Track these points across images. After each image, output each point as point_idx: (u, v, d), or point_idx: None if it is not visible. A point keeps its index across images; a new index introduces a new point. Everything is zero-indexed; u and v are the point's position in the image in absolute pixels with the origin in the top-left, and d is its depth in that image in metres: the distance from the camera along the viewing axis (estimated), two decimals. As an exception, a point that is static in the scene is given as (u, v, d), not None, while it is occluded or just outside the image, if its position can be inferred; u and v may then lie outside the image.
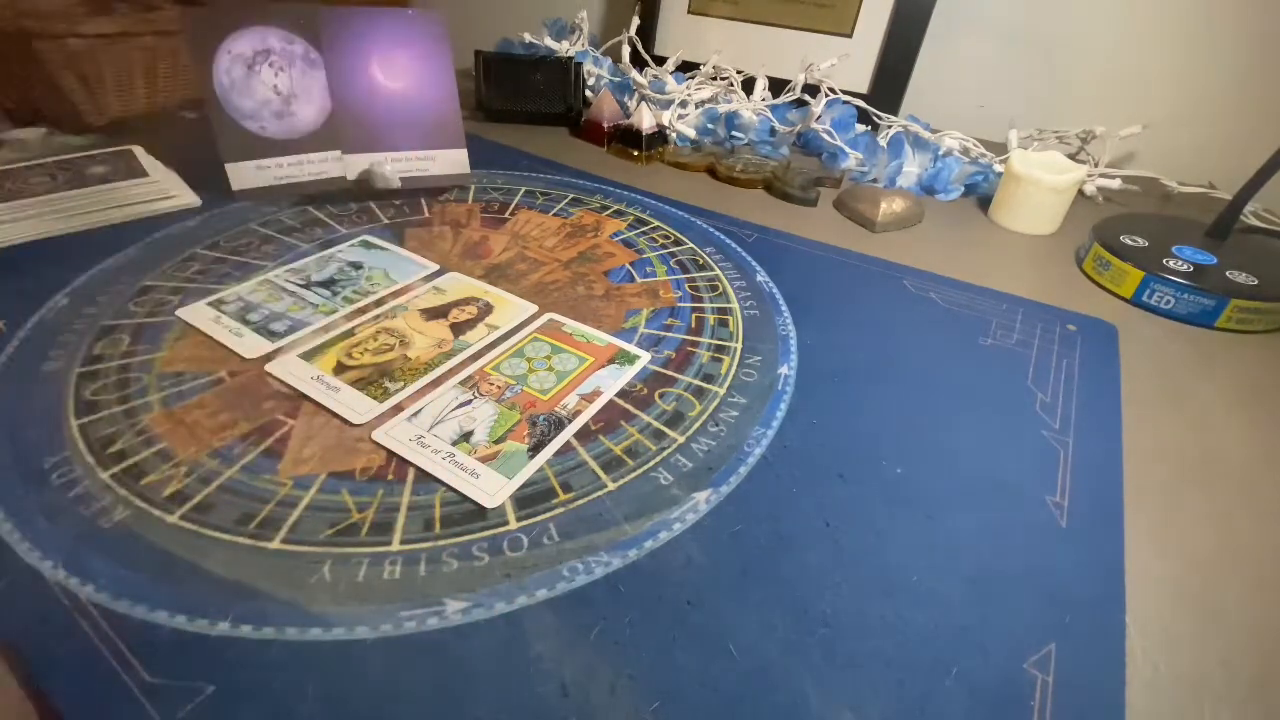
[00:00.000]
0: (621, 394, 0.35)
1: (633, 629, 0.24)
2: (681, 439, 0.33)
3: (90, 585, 0.24)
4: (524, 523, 0.28)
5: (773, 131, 0.71)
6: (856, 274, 0.49)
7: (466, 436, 0.31)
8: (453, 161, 0.57)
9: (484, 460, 0.30)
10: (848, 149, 0.66)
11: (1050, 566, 0.28)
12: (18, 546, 0.25)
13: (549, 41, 0.83)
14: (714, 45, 0.80)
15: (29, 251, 0.44)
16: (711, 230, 0.54)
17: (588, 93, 0.76)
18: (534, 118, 0.75)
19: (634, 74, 0.75)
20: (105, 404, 0.32)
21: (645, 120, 0.66)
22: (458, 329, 0.39)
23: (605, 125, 0.70)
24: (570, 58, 0.74)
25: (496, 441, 0.31)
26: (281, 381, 0.34)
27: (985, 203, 0.63)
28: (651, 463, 0.31)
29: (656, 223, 0.54)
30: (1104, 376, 0.40)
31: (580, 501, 0.29)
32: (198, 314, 0.39)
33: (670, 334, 0.41)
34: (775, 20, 0.78)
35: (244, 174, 0.51)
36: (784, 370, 0.38)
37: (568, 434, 0.32)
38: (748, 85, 0.75)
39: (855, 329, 0.42)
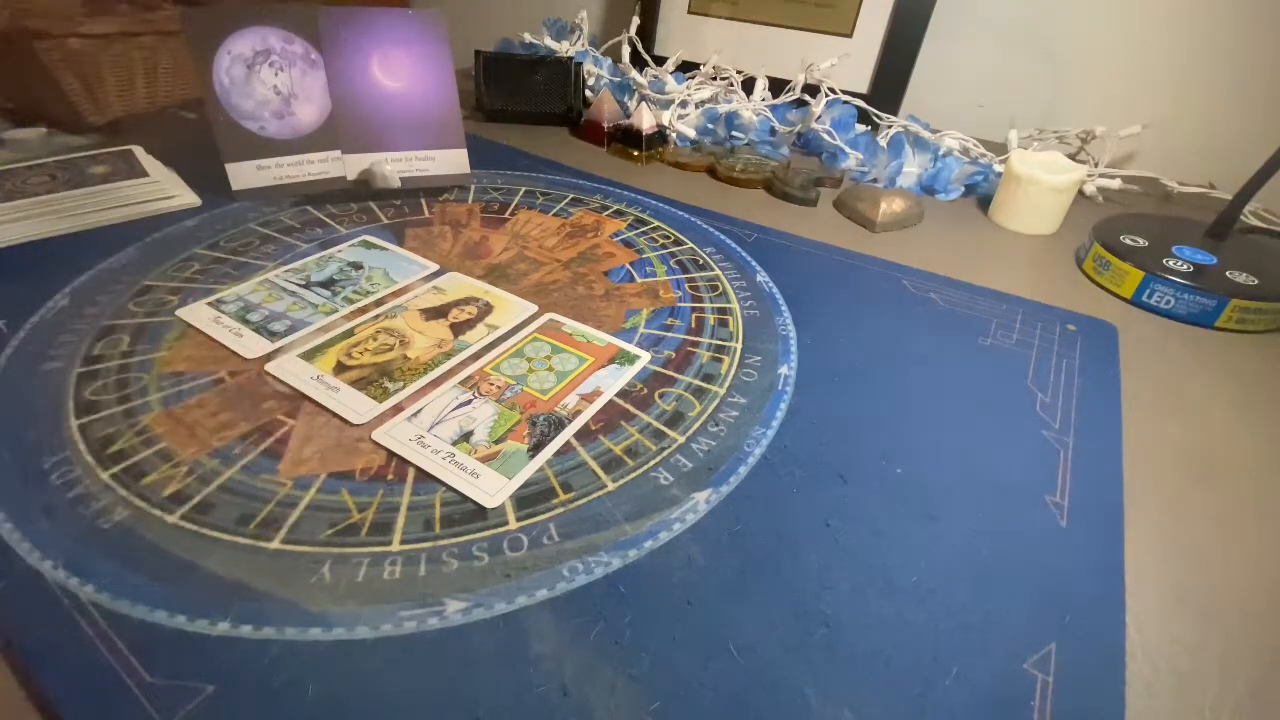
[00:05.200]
0: (621, 394, 0.35)
1: (633, 629, 0.24)
2: (681, 439, 0.33)
3: (90, 585, 0.24)
4: (524, 523, 0.28)
5: (773, 131, 0.71)
6: (856, 274, 0.49)
7: (466, 436, 0.31)
8: (453, 161, 0.57)
9: (484, 460, 0.30)
10: (848, 149, 0.66)
11: (1050, 566, 0.28)
12: (18, 546, 0.25)
13: (549, 41, 0.83)
14: (714, 45, 0.81)
15: (29, 251, 0.44)
16: (711, 230, 0.54)
17: (588, 93, 0.76)
18: (534, 118, 0.75)
19: (634, 74, 0.75)
20: (105, 404, 0.32)
21: (645, 120, 0.66)
22: (458, 329, 0.39)
23: (605, 125, 0.70)
24: (570, 58, 0.74)
25: (496, 441, 0.31)
26: (281, 381, 0.34)
27: (985, 203, 0.63)
28: (651, 463, 0.31)
29: (656, 223, 0.54)
30: (1104, 377, 0.40)
31: (580, 501, 0.29)
32: (198, 314, 0.39)
33: (670, 334, 0.41)
34: (775, 20, 0.78)
35: (244, 174, 0.51)
36: (784, 370, 0.38)
37: (568, 434, 0.32)
38: (748, 85, 0.75)
39: (855, 329, 0.42)
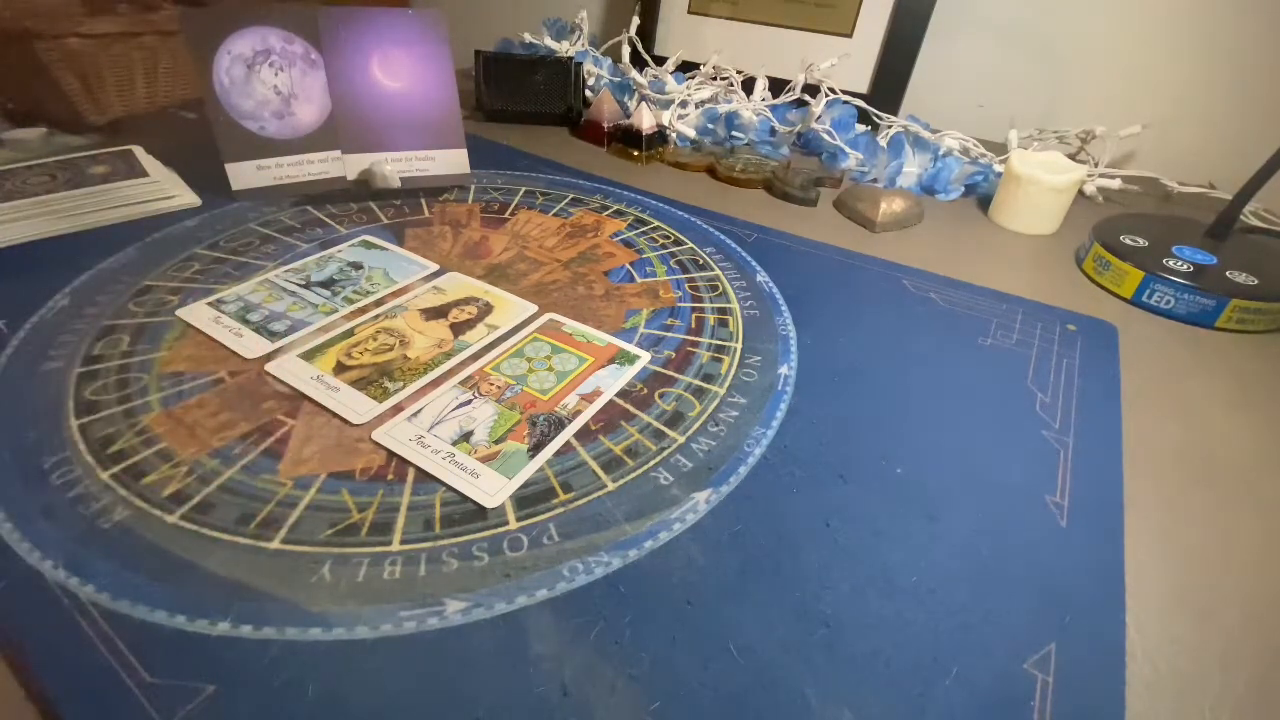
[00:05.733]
0: (621, 394, 0.35)
1: (633, 629, 0.24)
2: (681, 439, 0.33)
3: (90, 585, 0.24)
4: (524, 523, 0.28)
5: (773, 131, 0.71)
6: (856, 274, 0.49)
7: (466, 436, 0.31)
8: (453, 161, 0.57)
9: (484, 460, 0.30)
10: (848, 149, 0.66)
11: (1050, 566, 0.28)
12: (18, 546, 0.25)
13: (549, 41, 0.83)
14: (714, 45, 0.80)
15: (29, 251, 0.44)
16: (711, 230, 0.54)
17: (588, 93, 0.76)
18: (534, 118, 0.75)
19: (634, 74, 0.75)
20: (105, 404, 0.32)
21: (645, 120, 0.66)
22: (457, 329, 0.39)
23: (605, 125, 0.70)
24: (570, 58, 0.74)
25: (496, 441, 0.31)
26: (281, 381, 0.34)
27: (985, 203, 0.63)
28: (651, 463, 0.31)
29: (656, 223, 0.54)
30: (1104, 377, 0.40)
31: (580, 501, 0.29)
32: (198, 314, 0.39)
33: (670, 334, 0.41)
34: (775, 20, 0.78)
35: (244, 174, 0.51)
36: (784, 370, 0.38)
37: (568, 434, 0.32)
38: (748, 85, 0.75)
39: (855, 329, 0.42)
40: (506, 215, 0.54)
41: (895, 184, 0.65)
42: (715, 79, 0.77)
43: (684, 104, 0.72)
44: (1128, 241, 0.50)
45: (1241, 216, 0.53)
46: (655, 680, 0.22)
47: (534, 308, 0.42)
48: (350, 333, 0.38)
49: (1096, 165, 0.67)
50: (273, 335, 0.37)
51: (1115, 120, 0.66)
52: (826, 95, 0.69)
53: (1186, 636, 0.26)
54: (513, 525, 0.28)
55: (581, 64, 0.75)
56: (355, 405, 0.33)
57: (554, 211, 0.55)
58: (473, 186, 0.58)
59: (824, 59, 0.70)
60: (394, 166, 0.54)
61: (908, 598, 0.26)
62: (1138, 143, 0.69)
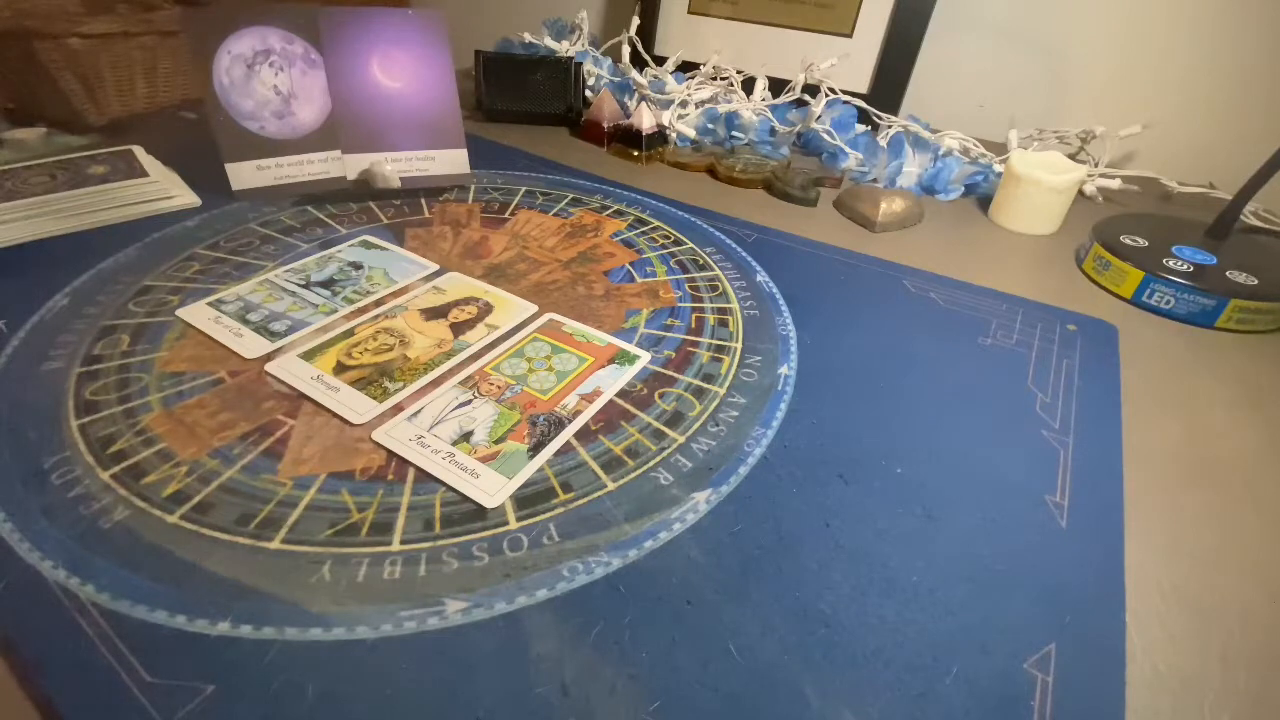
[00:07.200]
0: (621, 394, 0.35)
1: (633, 629, 0.24)
2: (681, 439, 0.33)
3: (90, 585, 0.24)
4: (524, 523, 0.28)
5: (773, 131, 0.71)
6: (856, 274, 0.49)
7: (466, 436, 0.31)
8: (453, 161, 0.57)
9: (484, 460, 0.30)
10: (848, 149, 0.66)
11: (1050, 566, 0.28)
12: (18, 546, 0.25)
13: (549, 41, 0.83)
14: (714, 45, 0.81)
15: (29, 251, 0.44)
16: (711, 230, 0.54)
17: (588, 93, 0.76)
18: (534, 118, 0.75)
19: (634, 74, 0.75)
20: (105, 404, 0.32)
21: (645, 120, 0.66)
22: (457, 329, 0.39)
23: (605, 125, 0.70)
24: (570, 58, 0.74)
25: (496, 441, 0.31)
26: (281, 381, 0.34)
27: (985, 203, 0.63)
28: (651, 463, 0.31)
29: (656, 223, 0.54)
30: (1104, 377, 0.40)
31: (580, 501, 0.29)
32: (198, 314, 0.39)
33: (670, 334, 0.41)
34: (775, 20, 0.79)
35: (244, 174, 0.51)
36: (784, 370, 0.38)
37: (568, 434, 0.32)
38: (748, 85, 0.75)
39: (855, 329, 0.42)
40: (506, 215, 0.54)
41: (895, 184, 0.65)
42: (715, 79, 0.77)
43: (684, 104, 0.72)
44: (1128, 241, 0.50)
45: (1241, 216, 0.53)
46: (655, 680, 0.22)
47: (534, 308, 0.42)
48: (350, 333, 0.38)
49: (1096, 165, 0.67)
50: (273, 335, 0.37)
51: (1115, 120, 0.66)
52: (826, 95, 0.69)
53: (1186, 636, 0.26)
54: (513, 525, 0.28)
55: (581, 64, 0.75)
56: (355, 405, 0.33)
57: (554, 211, 0.55)
58: (473, 186, 0.58)
59: (824, 59, 0.70)
60: (394, 166, 0.54)
61: (908, 597, 0.26)
62: (1138, 143, 0.69)
